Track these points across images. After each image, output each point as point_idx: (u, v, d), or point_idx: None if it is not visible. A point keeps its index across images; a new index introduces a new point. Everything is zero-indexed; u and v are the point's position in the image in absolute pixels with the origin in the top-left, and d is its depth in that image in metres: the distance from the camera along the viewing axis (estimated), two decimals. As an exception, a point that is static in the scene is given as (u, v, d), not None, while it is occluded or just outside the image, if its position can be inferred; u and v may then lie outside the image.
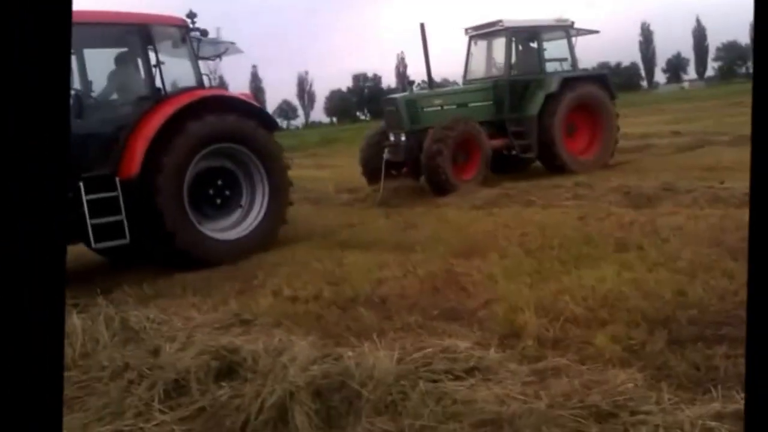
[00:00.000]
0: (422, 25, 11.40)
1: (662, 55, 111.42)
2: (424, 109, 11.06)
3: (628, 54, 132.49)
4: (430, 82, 12.31)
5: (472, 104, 11.59)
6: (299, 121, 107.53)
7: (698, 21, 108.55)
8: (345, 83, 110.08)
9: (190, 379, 3.28)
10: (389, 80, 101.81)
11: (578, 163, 11.65)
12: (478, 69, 12.77)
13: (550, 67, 12.15)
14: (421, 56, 11.52)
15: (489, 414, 2.62)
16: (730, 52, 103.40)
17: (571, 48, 12.37)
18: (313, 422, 2.79)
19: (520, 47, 12.27)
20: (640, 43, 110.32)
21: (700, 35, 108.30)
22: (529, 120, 11.55)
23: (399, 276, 5.61)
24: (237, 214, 7.68)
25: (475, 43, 12.65)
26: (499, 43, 12.21)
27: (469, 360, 3.25)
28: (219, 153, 7.40)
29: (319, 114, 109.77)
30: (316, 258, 6.66)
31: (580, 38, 12.65)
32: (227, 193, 7.57)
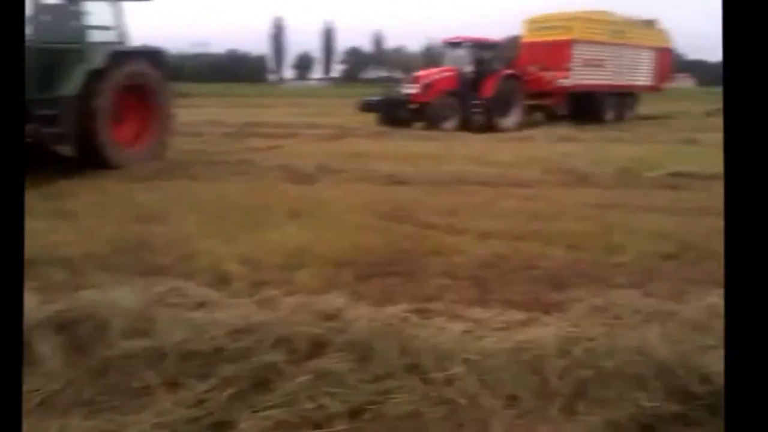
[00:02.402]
0: None
1: (292, 51, 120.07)
2: None
3: (258, 45, 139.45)
4: None
5: None
6: None
7: (327, 24, 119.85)
8: None
9: None
10: None
11: (125, 157, 9.93)
12: None
13: (93, 36, 10.05)
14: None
15: (238, 325, 3.25)
16: (354, 56, 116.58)
17: (119, 13, 10.42)
18: (57, 353, 3.04)
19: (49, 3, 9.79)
20: (271, 36, 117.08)
21: (328, 37, 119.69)
22: (64, 101, 9.23)
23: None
24: None
25: None
26: None
27: (192, 297, 3.81)
28: None
29: None
30: None
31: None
32: None
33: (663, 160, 10.89)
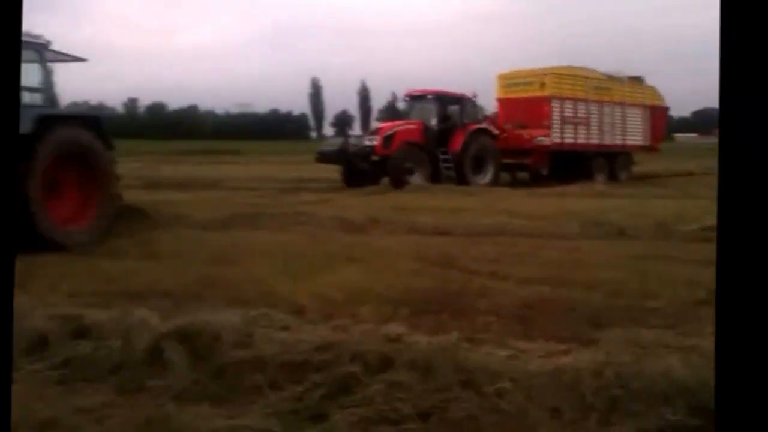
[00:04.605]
0: None
1: (330, 109, 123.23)
2: None
3: (298, 105, 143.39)
4: None
5: None
6: None
7: (363, 83, 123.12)
8: None
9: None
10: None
11: (65, 235, 8.59)
12: None
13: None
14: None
15: (319, 343, 3.88)
16: (390, 113, 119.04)
17: (47, 75, 9.44)
18: (183, 358, 3.72)
19: None
20: (310, 95, 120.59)
21: (364, 96, 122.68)
22: None
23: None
24: None
25: None
26: None
27: (278, 322, 4.46)
28: None
29: None
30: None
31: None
32: None
33: (698, 214, 11.02)
